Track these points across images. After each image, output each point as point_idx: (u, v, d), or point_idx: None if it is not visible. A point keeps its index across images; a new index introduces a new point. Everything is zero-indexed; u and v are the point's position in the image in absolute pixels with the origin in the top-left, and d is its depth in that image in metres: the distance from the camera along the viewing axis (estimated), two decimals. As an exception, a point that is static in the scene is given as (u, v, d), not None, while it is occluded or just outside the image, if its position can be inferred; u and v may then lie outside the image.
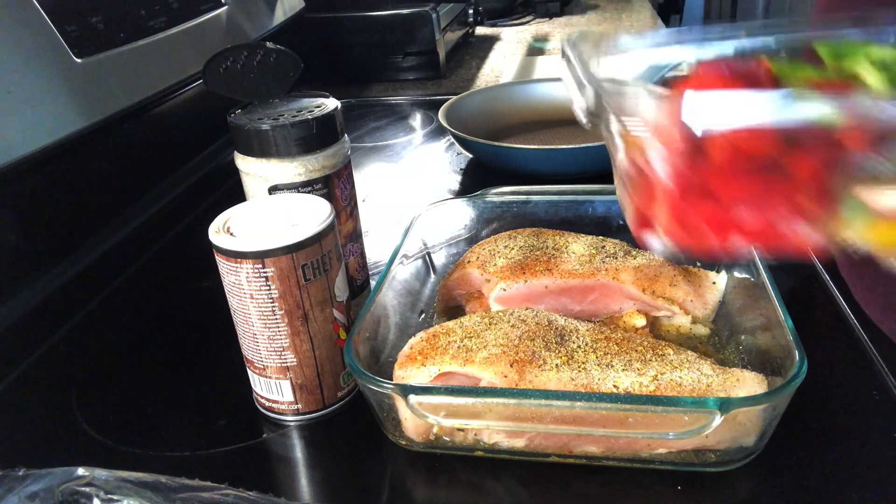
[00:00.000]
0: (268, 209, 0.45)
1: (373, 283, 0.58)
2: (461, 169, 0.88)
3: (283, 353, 0.44)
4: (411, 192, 0.84)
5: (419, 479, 0.43)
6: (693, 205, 0.31)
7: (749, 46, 0.39)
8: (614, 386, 0.40)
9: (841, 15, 0.38)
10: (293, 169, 0.48)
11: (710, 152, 0.30)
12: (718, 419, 0.36)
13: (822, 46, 0.36)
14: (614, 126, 0.33)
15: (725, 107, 0.28)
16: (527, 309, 0.46)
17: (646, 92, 0.30)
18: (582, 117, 0.35)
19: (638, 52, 0.42)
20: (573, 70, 0.38)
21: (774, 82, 0.34)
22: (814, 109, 0.29)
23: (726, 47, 0.39)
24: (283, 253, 0.41)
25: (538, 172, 0.77)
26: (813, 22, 0.40)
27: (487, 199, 0.61)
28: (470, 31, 1.57)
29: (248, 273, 0.41)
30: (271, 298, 0.42)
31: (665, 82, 0.42)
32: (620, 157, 0.34)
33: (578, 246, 0.53)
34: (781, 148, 0.29)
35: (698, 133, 0.28)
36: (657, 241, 0.34)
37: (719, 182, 0.30)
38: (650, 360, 0.41)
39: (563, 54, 0.41)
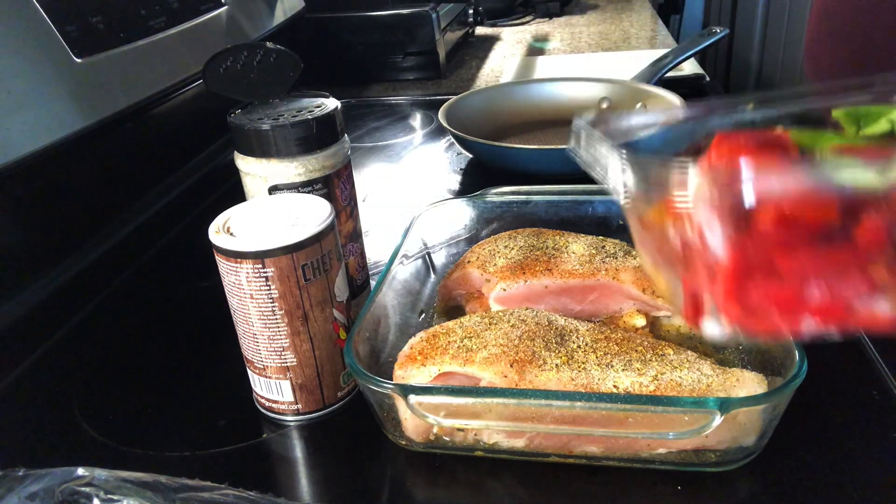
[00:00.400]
0: (268, 209, 0.45)
1: (373, 283, 0.58)
2: (461, 169, 0.88)
3: (283, 353, 0.44)
4: (411, 192, 0.84)
5: (419, 479, 0.43)
6: (755, 281, 0.29)
7: (759, 118, 0.38)
8: (614, 386, 0.40)
9: (845, 81, 0.37)
10: (293, 169, 0.48)
11: (767, 223, 0.28)
12: (718, 419, 0.36)
13: (839, 113, 0.35)
14: (657, 201, 0.31)
15: (779, 174, 0.27)
16: (527, 309, 0.46)
17: (692, 164, 0.28)
18: (620, 194, 0.33)
19: (650, 129, 0.41)
20: (599, 148, 0.35)
21: (800, 151, 0.33)
22: (861, 176, 0.28)
23: (736, 118, 0.39)
24: (283, 253, 0.41)
25: (538, 172, 0.77)
26: (815, 91, 0.39)
27: (487, 199, 0.61)
28: (470, 31, 1.57)
29: (248, 273, 0.41)
30: (271, 298, 0.42)
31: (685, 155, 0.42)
32: (671, 236, 0.31)
33: (578, 246, 0.53)
34: (840, 214, 0.27)
35: (754, 202, 0.27)
36: (716, 326, 0.31)
37: (781, 254, 0.28)
38: (650, 360, 0.41)
39: (577, 137, 0.39)
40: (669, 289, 0.35)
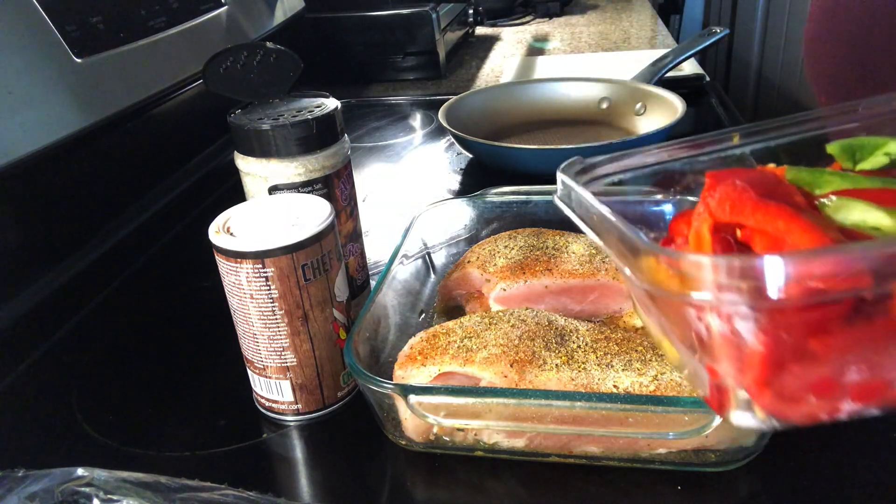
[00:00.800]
0: (268, 209, 0.45)
1: (373, 283, 0.58)
2: (461, 169, 0.88)
3: (283, 353, 0.44)
4: (411, 192, 0.84)
5: (419, 479, 0.43)
6: (789, 369, 0.27)
7: (748, 152, 0.37)
8: (614, 386, 0.40)
9: (830, 108, 0.37)
10: (293, 169, 0.48)
11: (799, 307, 0.26)
12: (718, 419, 0.36)
13: (834, 147, 0.34)
14: (677, 292, 0.28)
15: (807, 259, 0.25)
16: (527, 309, 0.46)
17: (708, 257, 0.26)
18: (629, 275, 0.31)
19: (636, 171, 0.40)
20: (592, 210, 0.34)
21: (800, 193, 0.32)
22: (872, 217, 0.27)
23: (723, 154, 0.38)
24: (283, 253, 0.41)
25: (538, 172, 0.77)
26: (800, 120, 0.38)
27: (487, 199, 0.61)
28: (470, 31, 1.57)
29: (248, 273, 0.41)
30: (271, 298, 0.42)
31: (682, 202, 0.41)
32: (686, 315, 0.29)
33: (578, 246, 0.53)
34: (875, 287, 0.25)
35: (783, 294, 0.25)
36: (748, 416, 0.29)
37: (815, 338, 0.27)
38: (650, 360, 0.41)
39: (566, 191, 0.36)
40: (680, 360, 0.34)
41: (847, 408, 0.28)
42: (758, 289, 0.25)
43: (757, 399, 0.29)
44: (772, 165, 0.35)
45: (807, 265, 0.25)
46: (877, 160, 0.33)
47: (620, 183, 0.40)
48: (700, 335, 0.29)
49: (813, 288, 0.25)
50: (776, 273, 0.25)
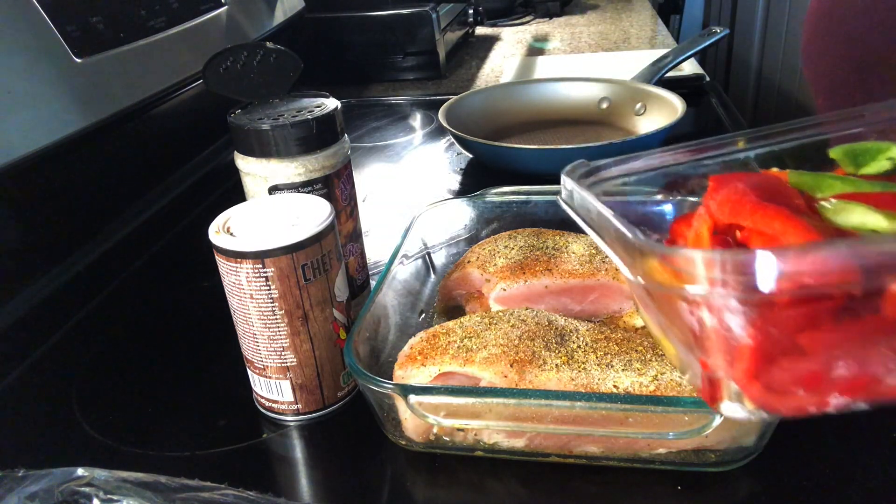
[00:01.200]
0: (268, 209, 0.45)
1: (373, 283, 0.58)
2: (461, 169, 0.88)
3: (283, 353, 0.44)
4: (411, 192, 0.84)
5: (419, 479, 0.43)
6: (778, 362, 0.28)
7: (752, 156, 0.38)
8: (614, 386, 0.40)
9: (836, 113, 0.37)
10: (293, 169, 0.48)
11: (788, 302, 0.26)
12: (718, 419, 0.36)
13: (837, 152, 0.35)
14: (667, 285, 0.29)
15: (797, 255, 0.25)
16: (527, 309, 0.46)
17: (700, 252, 0.27)
18: (627, 273, 0.31)
19: (641, 174, 0.40)
20: (593, 209, 0.34)
21: (801, 196, 0.32)
22: (870, 220, 0.28)
23: (728, 158, 0.38)
24: (283, 253, 0.41)
25: (538, 172, 0.77)
26: (806, 125, 0.38)
27: (487, 199, 0.61)
28: (470, 31, 1.57)
29: (248, 273, 0.41)
30: (271, 298, 0.42)
31: (683, 202, 0.41)
32: (681, 310, 0.30)
33: (578, 246, 0.53)
34: (864, 284, 0.26)
35: (773, 287, 0.25)
36: (738, 408, 0.30)
37: (804, 332, 0.27)
38: (650, 360, 0.41)
39: (569, 193, 0.37)
40: (678, 356, 0.34)
41: (835, 401, 0.28)
42: (748, 283, 0.25)
43: (746, 391, 0.29)
44: (775, 169, 0.35)
45: (796, 261, 0.25)
46: (879, 165, 0.34)
47: (624, 186, 0.40)
48: (693, 330, 0.30)
49: (802, 283, 0.25)
50: (766, 268, 0.25)
